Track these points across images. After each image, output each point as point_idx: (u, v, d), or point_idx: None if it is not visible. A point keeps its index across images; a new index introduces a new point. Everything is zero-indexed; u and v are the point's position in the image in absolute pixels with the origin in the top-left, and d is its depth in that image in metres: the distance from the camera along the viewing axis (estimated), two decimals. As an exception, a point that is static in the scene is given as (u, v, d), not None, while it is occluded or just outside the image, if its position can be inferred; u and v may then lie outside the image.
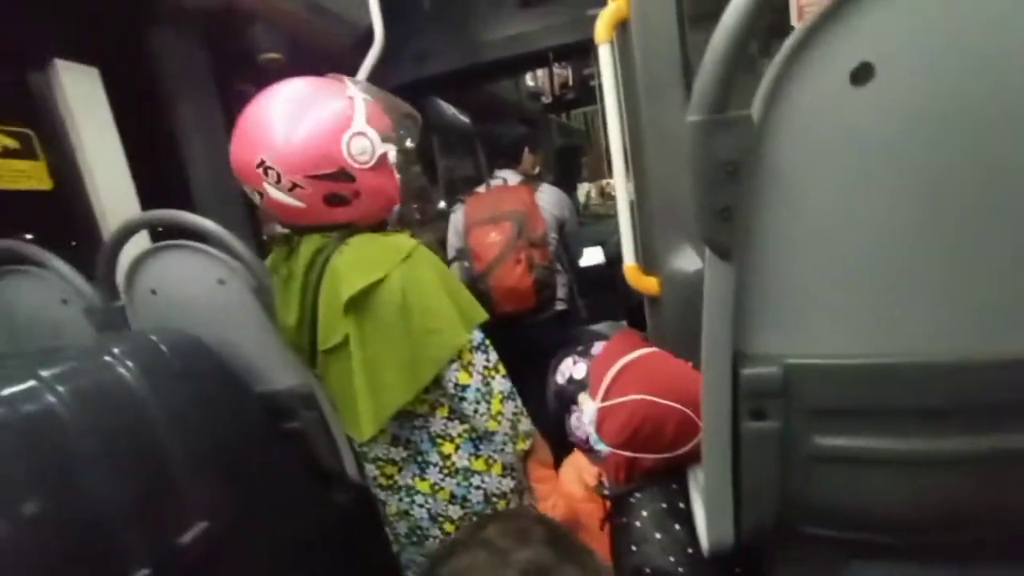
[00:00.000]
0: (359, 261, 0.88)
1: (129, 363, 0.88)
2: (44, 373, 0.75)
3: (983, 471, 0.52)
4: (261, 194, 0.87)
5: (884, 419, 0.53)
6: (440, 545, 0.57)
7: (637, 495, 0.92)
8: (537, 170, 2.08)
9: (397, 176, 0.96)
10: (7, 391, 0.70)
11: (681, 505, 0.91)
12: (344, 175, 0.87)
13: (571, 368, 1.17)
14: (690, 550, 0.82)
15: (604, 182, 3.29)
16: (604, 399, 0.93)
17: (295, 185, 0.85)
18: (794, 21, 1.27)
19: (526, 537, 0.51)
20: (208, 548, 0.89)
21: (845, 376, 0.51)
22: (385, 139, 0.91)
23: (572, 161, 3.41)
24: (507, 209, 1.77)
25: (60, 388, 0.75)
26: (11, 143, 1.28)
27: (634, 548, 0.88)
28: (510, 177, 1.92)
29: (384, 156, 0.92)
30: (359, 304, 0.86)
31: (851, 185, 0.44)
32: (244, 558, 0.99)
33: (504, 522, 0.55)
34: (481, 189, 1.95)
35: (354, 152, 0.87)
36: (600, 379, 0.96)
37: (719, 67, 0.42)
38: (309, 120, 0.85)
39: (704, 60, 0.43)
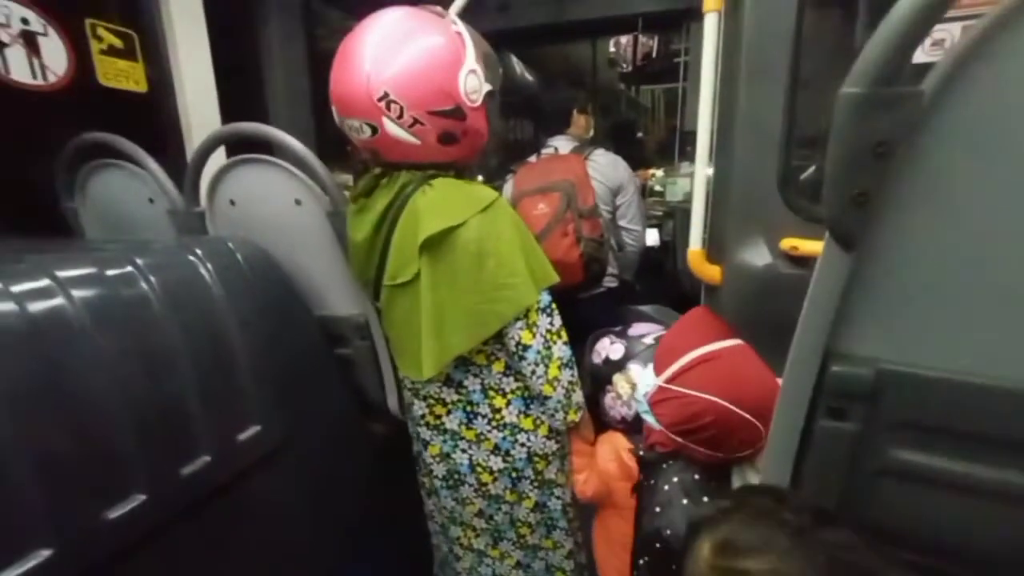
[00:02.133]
0: (441, 203, 0.88)
1: (209, 265, 0.92)
2: (139, 262, 0.81)
3: None
4: (375, 128, 0.85)
5: (973, 443, 0.50)
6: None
7: (671, 461, 0.93)
8: (591, 133, 1.97)
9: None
10: (110, 272, 0.76)
11: (712, 482, 0.91)
12: (459, 112, 0.87)
13: (607, 348, 1.16)
14: None
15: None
16: (671, 380, 0.92)
17: (416, 121, 0.85)
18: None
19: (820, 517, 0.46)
20: (258, 451, 0.96)
21: (943, 391, 0.48)
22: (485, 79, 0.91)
23: (628, 138, 3.23)
24: (556, 179, 1.70)
25: (152, 278, 0.81)
26: (117, 42, 1.34)
27: (658, 510, 0.89)
28: (562, 145, 1.84)
29: (487, 95, 0.91)
30: (434, 246, 0.87)
31: None
32: (286, 467, 1.05)
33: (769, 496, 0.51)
34: (532, 158, 1.88)
35: (468, 89, 0.87)
36: (671, 357, 0.95)
37: (900, 34, 0.37)
38: (429, 55, 0.84)
39: (883, 24, 0.38)
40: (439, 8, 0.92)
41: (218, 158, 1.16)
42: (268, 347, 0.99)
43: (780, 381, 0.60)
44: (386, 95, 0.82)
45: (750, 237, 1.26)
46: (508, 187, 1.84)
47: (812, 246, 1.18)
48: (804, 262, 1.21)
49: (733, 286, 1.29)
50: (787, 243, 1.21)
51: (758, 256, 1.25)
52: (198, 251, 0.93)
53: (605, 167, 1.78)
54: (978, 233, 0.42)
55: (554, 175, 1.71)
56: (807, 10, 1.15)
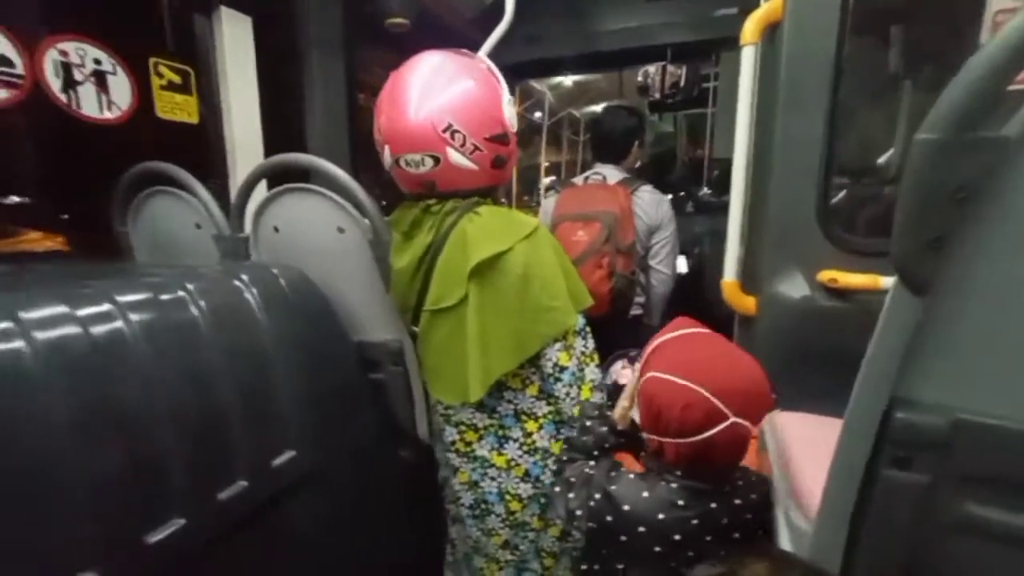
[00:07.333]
0: (488, 230, 0.91)
1: (253, 290, 0.95)
2: (190, 287, 0.84)
3: None
4: (437, 159, 0.91)
5: None
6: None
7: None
8: (638, 164, 1.98)
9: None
10: (164, 297, 0.79)
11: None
12: (505, 138, 0.95)
13: (618, 373, 1.15)
14: None
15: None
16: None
17: (476, 148, 0.91)
18: (984, 37, 1.14)
19: None
20: (291, 477, 0.96)
21: None
22: None
23: (668, 166, 3.22)
24: (600, 208, 1.69)
25: (201, 302, 0.84)
26: (175, 78, 1.42)
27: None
28: (610, 173, 1.83)
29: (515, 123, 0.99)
30: (483, 270, 0.90)
31: None
32: (316, 494, 1.05)
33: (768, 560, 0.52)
34: (578, 181, 1.89)
35: (509, 117, 0.95)
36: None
37: (986, 79, 0.35)
38: (479, 88, 0.92)
39: (968, 67, 0.37)
40: (466, 51, 0.99)
41: (261, 186, 1.21)
42: (308, 371, 1.01)
43: (824, 417, 0.56)
44: (450, 126, 0.89)
45: (787, 268, 1.24)
46: (550, 204, 1.84)
47: (852, 279, 1.15)
48: (843, 295, 1.18)
49: (769, 318, 1.27)
50: (825, 275, 1.18)
51: (795, 288, 1.22)
52: (244, 277, 0.96)
53: (648, 205, 1.76)
54: None
55: (598, 204, 1.70)
56: (846, 40, 1.14)
